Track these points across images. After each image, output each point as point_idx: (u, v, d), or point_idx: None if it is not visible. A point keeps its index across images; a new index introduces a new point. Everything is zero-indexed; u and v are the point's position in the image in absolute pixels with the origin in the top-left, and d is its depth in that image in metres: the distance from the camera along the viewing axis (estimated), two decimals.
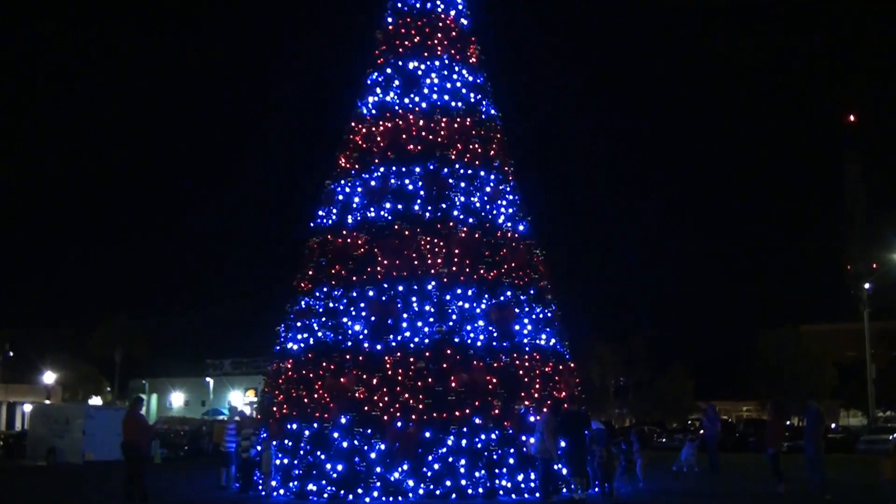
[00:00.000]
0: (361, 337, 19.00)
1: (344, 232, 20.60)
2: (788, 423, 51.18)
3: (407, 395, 18.04)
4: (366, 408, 18.11)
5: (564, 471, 18.23)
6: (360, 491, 17.49)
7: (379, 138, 21.35)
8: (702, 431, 34.73)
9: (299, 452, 18.50)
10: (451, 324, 18.79)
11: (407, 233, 19.72)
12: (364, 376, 18.45)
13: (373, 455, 17.67)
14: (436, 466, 17.49)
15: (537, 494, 17.50)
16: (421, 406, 17.89)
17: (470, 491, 17.39)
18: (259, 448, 19.66)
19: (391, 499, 17.26)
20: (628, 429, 41.57)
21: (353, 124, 22.17)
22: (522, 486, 17.92)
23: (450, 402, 17.97)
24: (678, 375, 74.06)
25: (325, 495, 17.69)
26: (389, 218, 20.07)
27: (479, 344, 18.80)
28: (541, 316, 20.35)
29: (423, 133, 21.00)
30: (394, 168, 20.64)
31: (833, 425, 55.55)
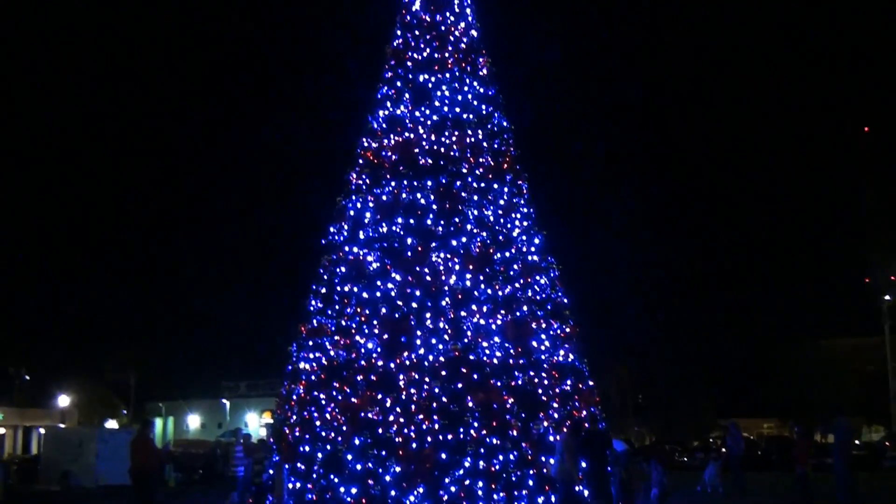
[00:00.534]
0: (375, 356, 18.51)
1: (356, 249, 20.16)
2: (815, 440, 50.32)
3: (422, 416, 17.52)
4: (380, 429, 17.61)
5: (586, 493, 17.60)
6: None
7: (390, 153, 20.95)
8: (723, 450, 34.00)
9: (312, 476, 18.00)
10: (466, 341, 18.26)
11: (420, 248, 19.25)
12: (378, 396, 17.94)
13: (387, 478, 17.13)
14: (452, 489, 16.91)
15: None
16: (436, 427, 17.35)
17: None
18: (271, 472, 19.18)
19: None
20: (648, 448, 40.90)
21: (363, 139, 21.80)
22: None
23: (466, 422, 17.42)
24: (697, 392, 73.20)
25: None
26: (402, 233, 19.59)
27: (495, 361, 18.28)
28: (559, 332, 19.79)
29: (435, 147, 20.59)
30: (405, 182, 20.22)
31: (856, 441, 54.53)
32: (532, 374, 18.59)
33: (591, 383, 20.52)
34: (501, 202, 20.48)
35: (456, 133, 20.83)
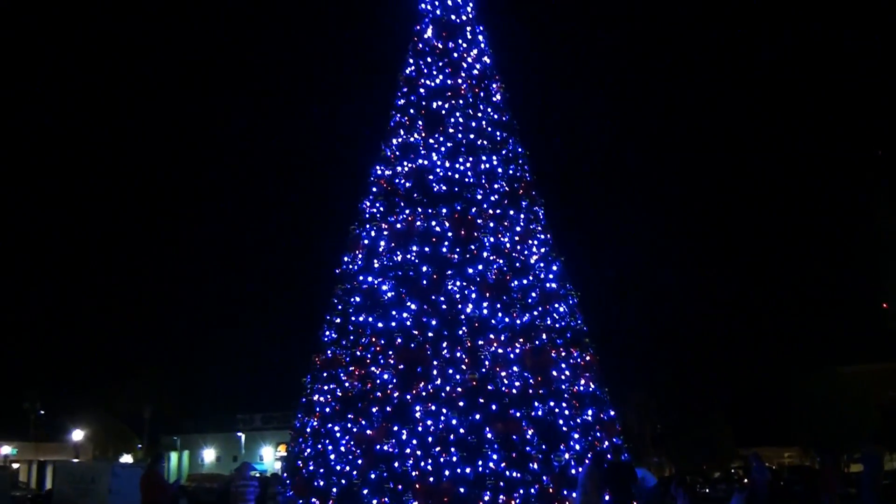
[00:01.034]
0: (390, 387, 18.11)
1: (370, 278, 19.83)
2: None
3: (439, 448, 17.09)
4: (396, 463, 17.17)
5: None
6: None
7: (404, 180, 20.69)
8: (745, 480, 33.26)
9: None
10: (483, 370, 17.85)
11: (435, 276, 18.91)
12: (394, 428, 17.56)
13: None
14: None
15: None
16: (454, 459, 16.90)
17: None
18: None
19: None
20: (669, 479, 40.14)
21: (376, 167, 21.56)
22: None
23: (485, 454, 16.96)
24: (716, 421, 72.16)
25: None
26: (417, 261, 19.27)
27: (514, 391, 17.84)
28: (579, 360, 19.35)
29: (449, 173, 20.33)
30: (420, 210, 19.93)
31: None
32: (552, 404, 18.14)
33: (612, 413, 20.03)
34: (518, 228, 20.16)
35: (470, 159, 20.57)
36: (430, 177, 20.35)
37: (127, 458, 68.52)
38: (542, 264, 20.21)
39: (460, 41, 22.46)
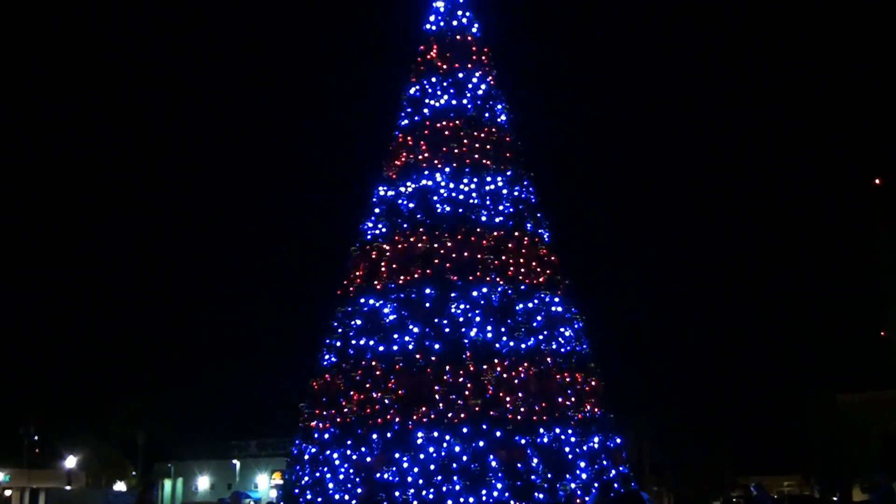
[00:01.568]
0: (391, 412, 17.61)
1: (371, 300, 19.38)
2: (835, 498, 48.73)
3: (441, 477, 16.59)
4: (396, 492, 16.66)
5: None
6: None
7: (406, 200, 20.39)
8: None
9: None
10: (487, 396, 17.36)
11: (438, 299, 18.51)
12: (395, 456, 17.07)
13: None
14: None
15: None
16: (457, 488, 16.39)
17: None
18: None
19: None
20: None
21: (378, 187, 21.29)
22: None
23: (488, 483, 16.45)
24: (716, 450, 71.48)
25: None
26: (419, 283, 18.90)
27: (518, 418, 17.33)
28: (584, 387, 18.86)
29: (453, 194, 20.06)
30: (422, 231, 19.58)
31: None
32: (558, 430, 17.65)
33: (618, 440, 19.51)
34: (523, 251, 19.72)
35: (475, 180, 20.21)
36: (434, 197, 19.99)
37: (120, 486, 67.55)
38: (547, 288, 19.75)
39: (466, 62, 22.19)
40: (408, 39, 23.85)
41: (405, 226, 19.94)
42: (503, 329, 18.31)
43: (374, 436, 17.53)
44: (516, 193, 20.74)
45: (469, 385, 17.49)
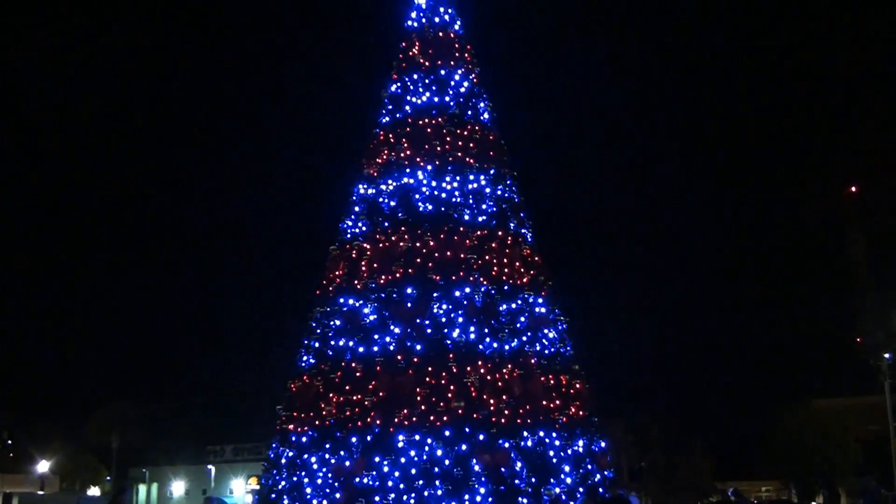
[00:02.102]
0: (371, 415, 17.18)
1: (351, 300, 18.95)
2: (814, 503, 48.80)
3: (423, 482, 16.19)
4: (377, 497, 16.25)
5: None
6: None
7: (388, 199, 20.00)
8: None
9: None
10: (470, 398, 16.99)
11: (420, 299, 18.11)
12: (375, 460, 16.66)
13: None
14: None
15: None
16: (439, 493, 16.01)
17: None
18: None
19: None
20: None
21: (359, 185, 20.89)
22: None
23: (471, 488, 16.06)
24: (695, 455, 71.55)
25: None
26: (401, 283, 18.50)
27: (502, 421, 16.95)
28: (570, 390, 18.52)
29: (435, 192, 19.68)
30: (404, 229, 19.17)
31: None
32: (542, 434, 17.29)
33: (602, 444, 19.17)
34: (506, 250, 19.37)
35: (457, 178, 19.84)
36: (416, 196, 19.61)
37: (94, 491, 66.72)
38: (530, 288, 19.41)
39: (448, 59, 21.84)
40: (388, 36, 23.47)
41: (386, 224, 19.55)
42: (486, 330, 17.95)
43: (354, 439, 17.10)
44: (499, 192, 20.40)
45: (451, 387, 17.10)
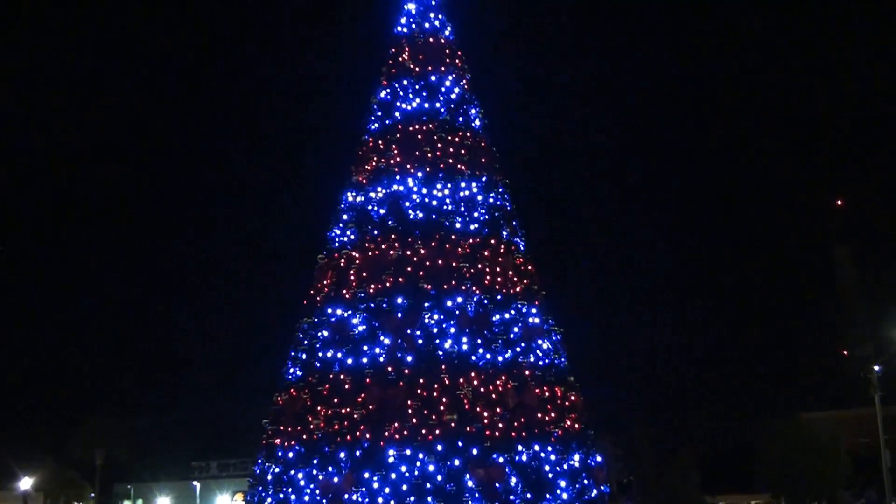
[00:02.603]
0: (361, 429, 16.68)
1: (339, 310, 18.46)
2: None
3: (414, 498, 15.73)
4: None
5: None
6: None
7: (377, 206, 19.55)
8: None
9: None
10: (463, 411, 16.53)
11: (411, 309, 17.64)
12: (364, 476, 16.15)
13: None
14: None
15: None
16: None
17: None
18: None
19: None
20: None
21: (347, 192, 20.47)
22: None
23: None
24: (684, 469, 71.30)
25: None
26: (391, 292, 18.04)
27: (496, 434, 16.48)
28: (565, 403, 18.05)
29: (426, 199, 19.26)
30: (394, 238, 18.75)
31: None
32: (537, 447, 16.82)
33: (598, 459, 18.71)
34: (499, 259, 18.93)
35: (449, 186, 19.45)
36: (406, 203, 19.20)
37: None
38: (523, 298, 18.97)
39: (439, 65, 21.53)
40: (378, 42, 23.08)
41: (376, 232, 19.11)
42: (479, 340, 17.51)
43: (342, 454, 16.59)
44: (491, 200, 20.01)
45: (444, 399, 16.62)
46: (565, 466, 17.09)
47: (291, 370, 18.89)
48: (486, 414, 16.64)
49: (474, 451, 16.16)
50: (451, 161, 19.80)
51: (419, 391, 16.72)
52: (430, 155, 19.82)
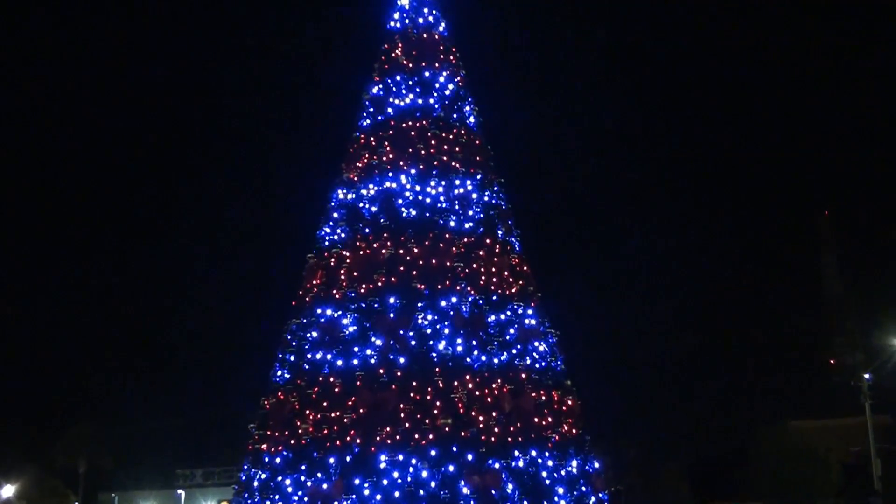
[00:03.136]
0: (351, 434, 16.09)
1: (329, 311, 17.87)
2: None
3: None
4: None
5: None
6: None
7: (369, 204, 19.09)
8: None
9: None
10: (458, 415, 15.97)
11: (404, 309, 17.08)
12: (355, 482, 15.57)
13: None
14: None
15: None
16: None
17: None
18: None
19: None
20: None
21: (338, 190, 19.95)
22: None
23: None
24: (674, 478, 70.99)
25: None
26: (383, 292, 17.48)
27: (492, 439, 15.92)
28: (562, 407, 17.49)
29: (420, 197, 18.77)
30: (386, 236, 18.25)
31: None
32: (534, 453, 16.29)
33: (596, 465, 18.15)
34: (494, 259, 18.39)
35: (443, 183, 18.93)
36: (399, 201, 18.67)
37: None
38: (519, 298, 18.43)
39: (432, 61, 21.08)
40: (370, 38, 22.54)
41: (367, 231, 18.57)
42: (474, 342, 16.99)
43: (332, 459, 16.03)
44: (486, 198, 19.51)
45: (437, 403, 16.09)
46: (563, 473, 16.58)
47: (279, 373, 18.32)
48: (481, 418, 16.11)
49: (469, 457, 15.65)
50: (444, 158, 19.31)
51: (412, 394, 16.19)
52: (423, 152, 19.34)
